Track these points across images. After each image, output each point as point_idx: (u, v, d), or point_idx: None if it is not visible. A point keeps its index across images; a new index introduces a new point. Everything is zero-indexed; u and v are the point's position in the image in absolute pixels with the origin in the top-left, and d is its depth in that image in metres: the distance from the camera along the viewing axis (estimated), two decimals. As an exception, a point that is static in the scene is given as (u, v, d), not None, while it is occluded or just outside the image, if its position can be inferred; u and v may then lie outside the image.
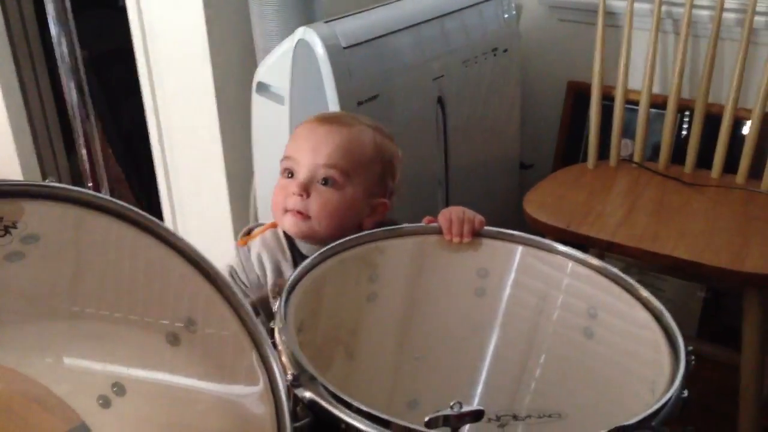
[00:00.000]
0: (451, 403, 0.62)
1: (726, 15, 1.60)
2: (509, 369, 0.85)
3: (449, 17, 1.49)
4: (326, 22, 1.35)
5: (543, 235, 1.48)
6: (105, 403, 0.71)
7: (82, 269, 0.71)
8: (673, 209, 1.53)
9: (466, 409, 0.62)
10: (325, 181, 1.03)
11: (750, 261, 1.33)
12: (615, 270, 0.86)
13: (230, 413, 0.73)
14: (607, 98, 1.71)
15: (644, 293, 0.82)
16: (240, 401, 0.74)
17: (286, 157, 1.06)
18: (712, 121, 1.64)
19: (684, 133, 1.75)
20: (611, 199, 1.57)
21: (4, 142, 1.98)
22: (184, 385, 0.75)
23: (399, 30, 1.41)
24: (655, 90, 1.71)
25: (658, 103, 1.71)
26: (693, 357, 0.75)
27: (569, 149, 1.94)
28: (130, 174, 2.11)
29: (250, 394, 0.74)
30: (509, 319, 0.92)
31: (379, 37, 1.38)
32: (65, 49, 0.90)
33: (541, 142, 1.95)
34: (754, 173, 1.59)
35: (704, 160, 1.65)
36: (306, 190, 1.03)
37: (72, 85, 0.92)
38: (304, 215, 1.04)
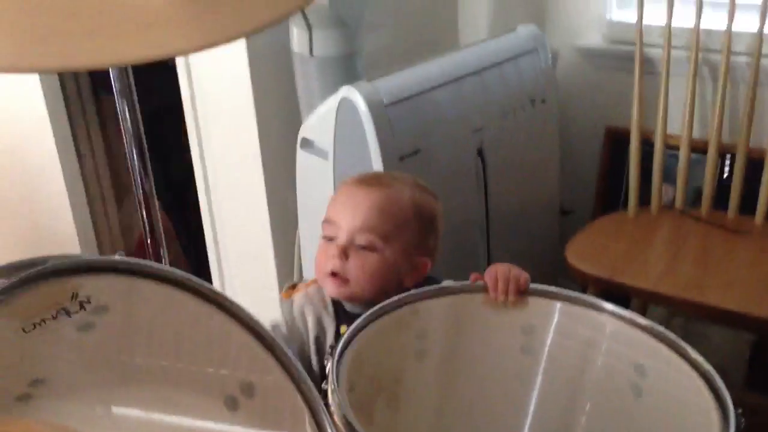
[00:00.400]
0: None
1: (764, 61, 1.61)
2: (554, 424, 0.86)
3: (488, 71, 1.52)
4: (369, 80, 1.39)
5: (586, 285, 1.50)
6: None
7: (147, 337, 0.75)
8: (717, 257, 1.53)
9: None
10: (363, 245, 1.05)
11: (798, 310, 1.32)
12: (662, 329, 0.86)
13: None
14: (646, 143, 1.72)
15: (693, 355, 0.82)
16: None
17: (326, 221, 1.09)
18: (754, 165, 1.64)
19: (726, 176, 1.74)
20: (653, 248, 1.57)
21: (57, 189, 2.06)
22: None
23: (439, 86, 1.45)
24: (696, 135, 1.71)
25: (699, 148, 1.71)
26: (743, 419, 0.75)
27: (609, 194, 1.94)
28: (178, 226, 2.16)
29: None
30: (555, 377, 0.93)
31: (420, 93, 1.41)
32: (128, 117, 0.94)
33: (581, 187, 1.96)
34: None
35: (747, 204, 1.65)
36: (345, 253, 1.05)
37: (132, 142, 0.96)
38: (343, 279, 1.06)
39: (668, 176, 1.73)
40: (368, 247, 1.05)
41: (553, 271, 1.71)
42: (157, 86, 1.86)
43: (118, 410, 0.79)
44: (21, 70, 0.71)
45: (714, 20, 1.66)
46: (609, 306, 0.92)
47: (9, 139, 2.07)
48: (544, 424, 0.86)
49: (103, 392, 0.78)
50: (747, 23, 1.62)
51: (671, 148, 1.71)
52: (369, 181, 1.12)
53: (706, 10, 1.62)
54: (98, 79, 2.07)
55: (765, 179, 1.60)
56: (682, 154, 1.67)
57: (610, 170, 1.93)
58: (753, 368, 1.76)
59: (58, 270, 0.67)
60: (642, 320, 0.89)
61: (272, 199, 1.64)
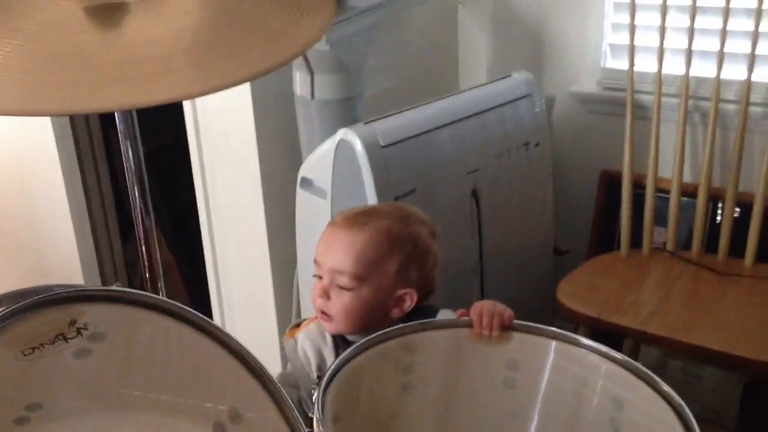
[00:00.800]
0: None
1: (752, 108, 1.66)
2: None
3: (482, 115, 1.57)
4: (366, 123, 1.44)
5: (577, 325, 1.53)
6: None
7: (141, 365, 0.78)
8: (707, 299, 1.55)
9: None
10: (341, 286, 1.10)
11: (783, 352, 1.34)
12: (637, 364, 0.90)
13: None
14: (640, 186, 1.76)
15: (665, 387, 0.85)
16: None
17: (314, 260, 1.14)
18: (744, 209, 1.67)
19: (718, 220, 1.78)
20: (644, 289, 1.60)
21: (63, 223, 2.11)
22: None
23: (434, 128, 1.50)
24: (687, 179, 1.76)
25: (690, 192, 1.75)
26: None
27: (604, 236, 1.98)
28: (181, 260, 2.21)
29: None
30: (543, 410, 0.96)
31: (416, 135, 1.47)
32: (131, 156, 0.99)
33: (577, 228, 2.00)
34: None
35: (737, 248, 1.68)
36: (326, 293, 1.11)
37: (135, 188, 1.01)
38: (328, 316, 1.12)
39: (661, 219, 1.77)
40: (345, 288, 1.10)
41: (549, 312, 1.74)
42: (167, 122, 1.93)
43: (112, 436, 0.82)
44: (37, 113, 0.76)
45: (703, 68, 1.72)
46: (587, 342, 0.95)
47: (18, 171, 2.14)
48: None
49: (98, 418, 0.82)
50: (735, 72, 1.67)
51: (663, 191, 1.76)
52: (349, 222, 1.14)
53: (695, 58, 1.68)
54: (107, 115, 2.14)
55: (753, 223, 1.63)
56: (673, 197, 1.71)
57: (605, 212, 1.97)
58: (745, 408, 1.78)
59: (58, 298, 0.71)
60: (617, 354, 0.92)
61: (272, 236, 1.69)
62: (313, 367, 1.15)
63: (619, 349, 0.94)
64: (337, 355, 1.14)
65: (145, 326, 0.79)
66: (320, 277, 1.12)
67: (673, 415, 0.84)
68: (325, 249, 1.13)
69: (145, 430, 0.83)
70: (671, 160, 1.73)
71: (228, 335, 0.81)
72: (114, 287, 0.75)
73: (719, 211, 1.77)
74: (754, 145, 1.72)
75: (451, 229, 1.56)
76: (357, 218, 1.15)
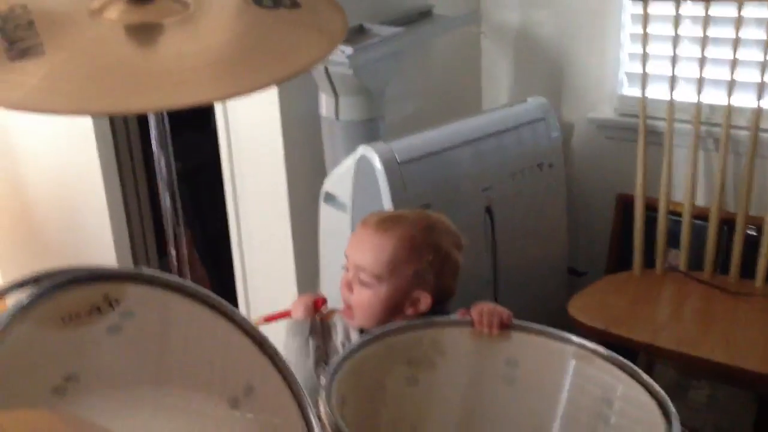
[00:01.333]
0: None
1: (762, 135, 1.71)
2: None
3: (498, 136, 1.66)
4: (385, 141, 1.53)
5: (585, 337, 1.58)
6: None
7: (164, 342, 0.87)
8: (717, 316, 1.60)
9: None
10: (362, 281, 1.19)
11: (784, 365, 1.38)
12: (621, 358, 0.96)
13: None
14: (654, 209, 1.82)
15: (646, 378, 0.92)
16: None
17: (345, 253, 1.23)
18: (756, 232, 1.72)
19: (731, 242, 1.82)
20: (655, 305, 1.65)
21: (105, 243, 2.23)
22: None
23: (451, 147, 1.59)
24: (701, 202, 1.81)
25: (704, 215, 1.80)
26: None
27: (621, 258, 2.03)
28: (213, 276, 2.32)
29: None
30: (531, 405, 1.02)
31: (432, 153, 1.56)
32: (163, 164, 1.09)
33: (594, 251, 2.06)
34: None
35: (748, 269, 1.72)
36: (350, 286, 1.20)
37: (167, 194, 1.11)
38: (350, 308, 1.21)
39: (675, 241, 1.82)
40: (365, 283, 1.19)
41: (561, 328, 1.79)
42: (201, 143, 2.05)
43: (137, 413, 0.91)
44: (82, 113, 0.87)
45: (715, 96, 1.78)
46: (576, 339, 1.02)
47: (63, 188, 2.27)
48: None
49: (126, 392, 0.91)
50: (746, 99, 1.73)
51: (677, 214, 1.81)
52: (378, 224, 1.23)
53: (707, 86, 1.75)
54: (145, 127, 2.27)
55: (764, 245, 1.67)
56: (685, 220, 1.76)
57: (621, 235, 2.02)
58: (758, 428, 1.80)
59: (94, 275, 0.81)
60: (602, 350, 0.99)
61: (298, 248, 1.78)
62: (339, 338, 1.23)
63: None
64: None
65: (170, 307, 0.88)
66: (347, 270, 1.22)
67: (656, 405, 0.90)
68: (353, 245, 1.23)
69: (166, 405, 0.91)
70: (684, 184, 1.78)
71: (243, 318, 0.90)
72: (144, 269, 0.84)
73: (733, 234, 1.82)
74: (765, 169, 1.77)
75: (465, 244, 1.64)
76: (385, 222, 1.24)
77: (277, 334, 1.08)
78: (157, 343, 0.89)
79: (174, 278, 0.87)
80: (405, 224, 1.23)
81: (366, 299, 1.19)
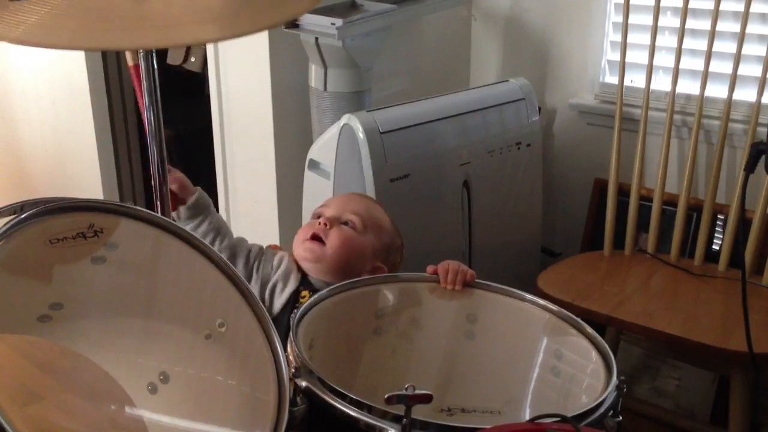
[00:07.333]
0: (406, 386, 0.80)
1: (732, 125, 1.78)
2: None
3: (478, 113, 1.72)
4: (369, 111, 1.60)
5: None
6: (153, 389, 0.92)
7: (145, 275, 0.94)
8: (680, 295, 1.67)
9: (417, 392, 0.80)
10: (347, 223, 1.26)
11: (734, 340, 1.45)
12: (568, 313, 1.04)
13: (244, 399, 0.93)
14: (628, 194, 1.88)
15: (590, 330, 0.99)
16: (252, 390, 0.93)
17: (315, 211, 1.31)
18: (721, 218, 1.79)
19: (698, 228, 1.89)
20: (621, 282, 1.72)
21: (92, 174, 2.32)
22: (212, 375, 0.95)
23: (432, 120, 1.65)
24: (672, 189, 1.88)
25: (674, 202, 1.87)
26: (624, 385, 0.91)
27: (595, 240, 2.09)
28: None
29: (261, 383, 0.93)
30: (492, 354, 1.09)
31: (414, 125, 1.62)
32: (153, 125, 1.16)
33: (571, 233, 2.13)
34: (757, 269, 1.71)
35: (713, 254, 1.79)
36: (330, 222, 1.26)
37: (155, 150, 1.18)
38: (320, 242, 1.25)
39: (646, 225, 1.88)
40: (350, 224, 1.27)
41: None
42: (192, 112, 2.12)
43: (119, 343, 0.97)
44: (79, 48, 0.93)
45: (691, 87, 1.85)
46: (530, 296, 1.10)
47: (58, 154, 2.34)
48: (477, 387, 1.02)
49: (108, 322, 0.97)
50: (720, 90, 1.80)
51: (648, 200, 1.87)
52: (364, 194, 1.37)
53: (683, 77, 1.81)
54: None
55: (728, 232, 1.74)
56: (655, 205, 1.83)
57: (597, 218, 2.09)
58: (717, 405, 1.87)
59: (80, 204, 0.87)
60: (553, 306, 1.06)
61: (283, 213, 1.85)
62: (277, 274, 1.28)
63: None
64: (297, 285, 1.27)
65: (151, 241, 0.94)
66: (318, 217, 1.28)
67: (596, 352, 0.98)
68: (337, 200, 1.32)
69: (149, 335, 0.97)
70: (656, 171, 1.85)
71: (220, 257, 0.97)
72: (129, 204, 0.91)
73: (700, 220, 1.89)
74: (734, 159, 1.84)
75: (442, 216, 1.71)
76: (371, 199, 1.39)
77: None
78: (137, 276, 0.96)
79: (157, 216, 0.93)
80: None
81: (347, 238, 1.25)
